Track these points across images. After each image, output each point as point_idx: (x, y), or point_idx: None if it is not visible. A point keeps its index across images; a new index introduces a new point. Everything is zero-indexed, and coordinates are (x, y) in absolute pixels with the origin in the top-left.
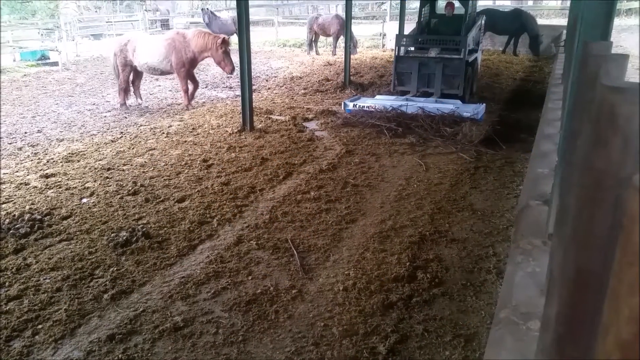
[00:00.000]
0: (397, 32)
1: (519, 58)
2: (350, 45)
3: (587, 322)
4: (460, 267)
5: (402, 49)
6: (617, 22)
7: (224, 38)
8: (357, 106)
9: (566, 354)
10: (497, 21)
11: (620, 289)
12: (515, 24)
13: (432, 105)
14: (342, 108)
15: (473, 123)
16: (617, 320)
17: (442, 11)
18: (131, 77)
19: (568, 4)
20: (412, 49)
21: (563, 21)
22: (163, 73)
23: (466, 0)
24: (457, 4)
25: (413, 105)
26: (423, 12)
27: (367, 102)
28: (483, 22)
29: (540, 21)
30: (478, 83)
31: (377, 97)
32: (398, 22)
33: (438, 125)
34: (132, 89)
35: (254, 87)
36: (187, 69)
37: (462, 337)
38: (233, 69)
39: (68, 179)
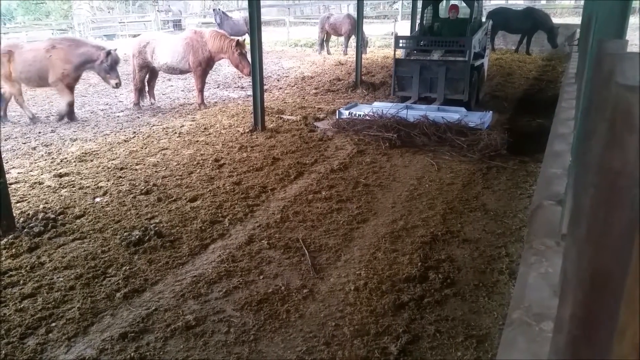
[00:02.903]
0: (397, 33)
1: (531, 57)
2: (362, 44)
3: (603, 324)
4: (473, 267)
5: (403, 51)
6: (632, 20)
7: (237, 40)
8: (353, 114)
9: (581, 356)
10: (510, 20)
11: (637, 290)
12: (527, 23)
13: (435, 113)
14: (336, 117)
15: (491, 130)
16: (634, 322)
17: (445, 15)
18: (147, 77)
19: (582, 2)
20: (415, 51)
21: (577, 20)
22: (182, 72)
23: (471, 1)
24: (461, 4)
25: (414, 113)
26: (425, 15)
27: (364, 110)
28: (490, 26)
29: (554, 20)
30: (487, 85)
31: (375, 104)
32: (410, 21)
33: (445, 134)
34: (146, 88)
35: (265, 87)
36: (204, 68)
37: (475, 338)
38: (251, 71)
39: (81, 179)
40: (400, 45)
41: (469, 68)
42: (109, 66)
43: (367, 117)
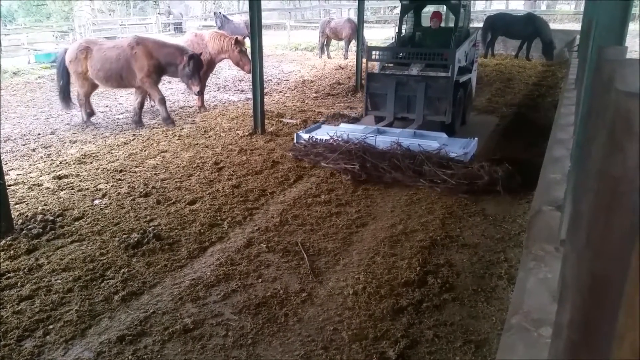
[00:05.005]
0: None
1: (531, 63)
2: (362, 49)
3: (602, 329)
4: (472, 272)
5: (378, 64)
6: (632, 26)
7: (236, 38)
8: (313, 139)
9: None
10: (510, 25)
11: (636, 296)
12: (528, 29)
13: (410, 140)
14: (294, 140)
15: (485, 163)
16: (634, 328)
17: (428, 23)
18: None
19: (582, 8)
20: (391, 64)
21: (577, 26)
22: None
23: (456, 8)
24: (446, 11)
25: (386, 139)
26: (404, 23)
27: (328, 133)
28: (478, 36)
29: (554, 26)
30: (487, 90)
31: (342, 125)
32: None
33: (422, 166)
34: None
35: (265, 91)
36: (205, 71)
37: (473, 343)
38: (251, 68)
39: (80, 181)
40: (373, 57)
41: (452, 85)
42: (191, 71)
43: (331, 142)
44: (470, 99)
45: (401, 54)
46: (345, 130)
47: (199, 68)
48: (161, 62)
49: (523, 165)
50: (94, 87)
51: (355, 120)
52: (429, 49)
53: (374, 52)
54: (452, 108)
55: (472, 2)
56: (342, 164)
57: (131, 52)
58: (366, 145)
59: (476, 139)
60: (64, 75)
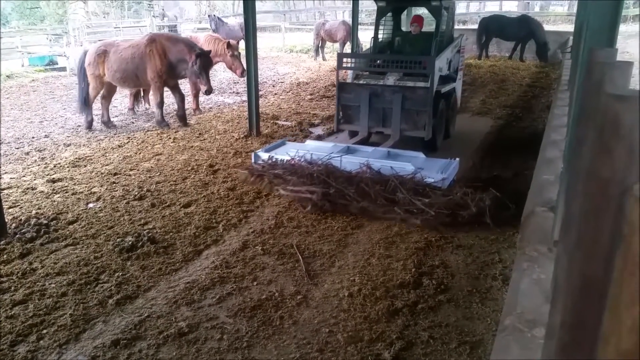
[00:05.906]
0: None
1: (525, 64)
2: (357, 51)
3: (592, 330)
4: (466, 273)
5: (350, 73)
6: (624, 28)
7: (228, 42)
8: (273, 158)
9: None
10: (505, 27)
11: (621, 298)
12: (522, 31)
13: (381, 162)
14: (252, 160)
15: (469, 190)
16: (619, 330)
17: (408, 28)
18: None
19: (575, 10)
20: (366, 73)
21: (570, 27)
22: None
23: (438, 10)
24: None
25: (354, 159)
26: (381, 27)
27: (290, 152)
28: (462, 41)
29: (547, 27)
30: (481, 91)
31: (308, 143)
32: None
33: (395, 194)
34: (141, 93)
35: (260, 93)
36: None
37: (468, 344)
38: (244, 71)
39: (75, 184)
40: (345, 65)
41: (432, 97)
42: (198, 69)
43: (293, 163)
44: (455, 110)
45: (377, 62)
46: (310, 149)
47: (206, 66)
48: (173, 60)
49: (517, 184)
50: (110, 91)
51: (331, 134)
52: (407, 56)
53: (345, 60)
54: (433, 122)
55: (457, 3)
56: (303, 190)
57: (145, 50)
58: (331, 168)
59: (457, 160)
60: (85, 78)
